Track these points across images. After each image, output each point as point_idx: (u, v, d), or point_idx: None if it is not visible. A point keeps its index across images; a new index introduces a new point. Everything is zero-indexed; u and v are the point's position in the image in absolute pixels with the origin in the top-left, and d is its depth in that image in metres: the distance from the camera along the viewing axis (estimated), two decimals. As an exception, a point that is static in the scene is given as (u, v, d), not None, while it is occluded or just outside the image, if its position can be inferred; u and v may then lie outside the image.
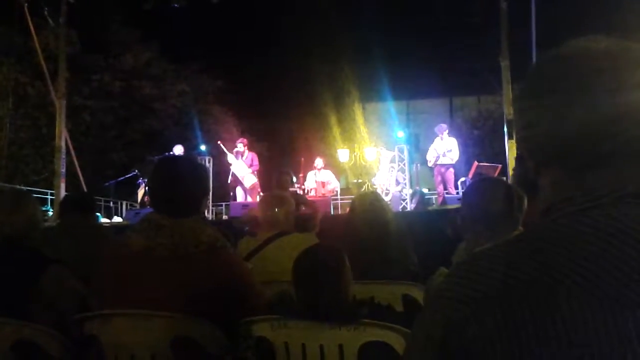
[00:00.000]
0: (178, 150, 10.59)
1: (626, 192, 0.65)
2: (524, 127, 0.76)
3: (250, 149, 10.54)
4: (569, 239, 0.63)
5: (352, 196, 11.49)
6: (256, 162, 10.16)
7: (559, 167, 0.71)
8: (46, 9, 11.45)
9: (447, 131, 10.27)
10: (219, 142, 11.08)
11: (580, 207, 0.66)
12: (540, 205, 0.74)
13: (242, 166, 9.94)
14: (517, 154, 9.65)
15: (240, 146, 10.19)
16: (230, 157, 10.30)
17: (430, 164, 10.43)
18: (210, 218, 11.01)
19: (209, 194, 2.38)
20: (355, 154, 16.57)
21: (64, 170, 10.82)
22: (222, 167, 10.43)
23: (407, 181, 12.83)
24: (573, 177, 0.69)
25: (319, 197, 9.99)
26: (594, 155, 0.68)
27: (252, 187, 9.96)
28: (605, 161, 0.67)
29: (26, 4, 11.26)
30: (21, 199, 2.33)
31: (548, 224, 0.69)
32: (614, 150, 0.67)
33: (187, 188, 1.94)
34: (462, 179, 10.78)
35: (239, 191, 10.17)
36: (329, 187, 10.70)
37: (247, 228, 4.00)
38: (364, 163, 15.95)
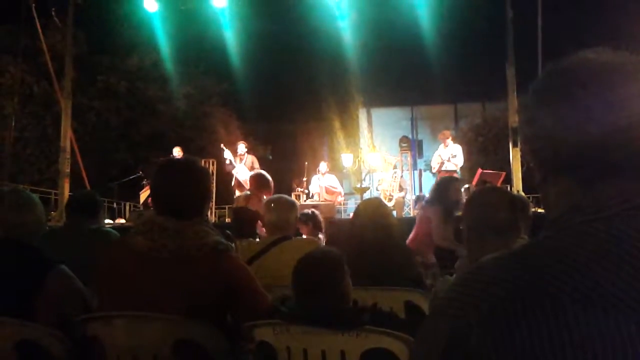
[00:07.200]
0: (176, 152, 10.59)
1: (634, 204, 0.65)
2: (532, 137, 0.76)
3: (250, 152, 10.50)
4: (574, 250, 0.63)
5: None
6: (256, 165, 10.08)
7: (568, 177, 0.71)
8: (53, 9, 11.49)
9: (451, 137, 10.25)
10: (222, 145, 11.10)
11: (586, 218, 0.66)
12: (547, 214, 0.74)
13: (244, 170, 9.91)
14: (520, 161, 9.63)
15: (241, 148, 10.14)
16: (227, 153, 10.24)
17: (434, 171, 10.38)
18: (213, 221, 11.01)
19: (211, 197, 2.38)
20: (359, 159, 16.56)
21: (68, 170, 10.82)
22: (226, 170, 10.41)
23: (410, 187, 12.82)
24: (581, 187, 0.69)
25: (323, 201, 9.98)
26: (603, 165, 0.68)
27: (254, 191, 9.91)
28: (614, 171, 0.67)
29: (33, 4, 11.29)
30: (29, 199, 2.34)
31: (554, 235, 0.69)
32: (623, 160, 0.67)
33: (189, 191, 1.94)
34: (466, 185, 10.76)
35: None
36: (339, 197, 10.66)
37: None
38: (367, 168, 15.94)
